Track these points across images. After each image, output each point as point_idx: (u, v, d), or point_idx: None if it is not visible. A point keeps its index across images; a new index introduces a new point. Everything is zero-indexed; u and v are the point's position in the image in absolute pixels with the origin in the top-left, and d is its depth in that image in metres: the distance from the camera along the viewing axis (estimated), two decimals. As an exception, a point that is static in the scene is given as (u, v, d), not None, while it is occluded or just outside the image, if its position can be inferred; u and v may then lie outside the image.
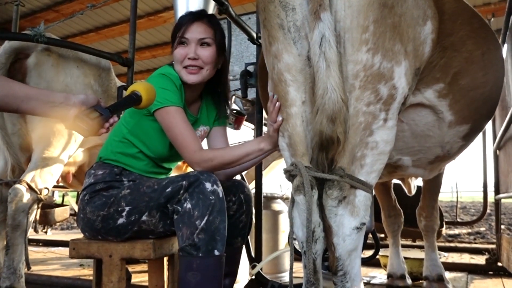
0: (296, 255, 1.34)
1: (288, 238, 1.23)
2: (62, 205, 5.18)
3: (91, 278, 2.65)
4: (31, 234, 2.87)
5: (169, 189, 1.48)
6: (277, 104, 1.27)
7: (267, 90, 1.42)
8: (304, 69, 1.18)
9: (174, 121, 1.54)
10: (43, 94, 1.15)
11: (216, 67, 1.71)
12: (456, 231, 6.44)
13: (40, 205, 2.33)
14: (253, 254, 2.30)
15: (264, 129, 2.74)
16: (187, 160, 1.57)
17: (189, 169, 3.55)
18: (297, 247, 1.29)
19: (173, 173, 1.88)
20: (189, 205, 1.44)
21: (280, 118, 1.28)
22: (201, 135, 1.81)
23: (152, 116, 1.60)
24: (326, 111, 1.07)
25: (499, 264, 3.15)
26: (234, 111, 2.99)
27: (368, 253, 1.90)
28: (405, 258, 2.71)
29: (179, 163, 2.14)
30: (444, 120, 1.52)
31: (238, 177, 1.97)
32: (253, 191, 2.14)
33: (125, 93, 1.32)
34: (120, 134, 1.69)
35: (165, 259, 1.86)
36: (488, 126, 3.34)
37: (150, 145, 1.66)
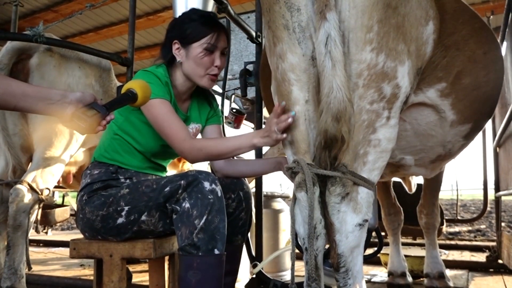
0: (298, 253, 1.34)
1: (291, 235, 1.23)
2: (62, 205, 5.17)
3: (91, 278, 2.65)
4: (31, 235, 2.87)
5: (167, 189, 1.48)
6: (290, 120, 1.23)
7: (269, 91, 1.43)
8: (308, 69, 1.19)
9: (161, 112, 1.55)
10: (40, 91, 1.15)
11: None
12: (456, 229, 6.44)
13: (41, 206, 2.33)
14: (253, 253, 2.30)
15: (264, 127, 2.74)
16: (176, 149, 1.57)
17: (185, 167, 3.56)
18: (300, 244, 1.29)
19: (168, 171, 1.88)
20: (187, 205, 1.44)
21: (285, 135, 1.27)
22: (193, 132, 1.81)
23: (140, 111, 1.61)
24: (332, 110, 1.07)
25: (500, 261, 3.16)
26: (234, 110, 3.00)
27: (371, 251, 1.90)
28: (405, 256, 2.71)
29: (175, 160, 2.15)
30: (446, 120, 1.53)
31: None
32: (253, 190, 2.14)
33: (122, 91, 1.32)
34: (111, 132, 1.70)
35: (166, 258, 1.86)
36: (488, 124, 3.34)
37: (140, 140, 1.67)
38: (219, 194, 1.47)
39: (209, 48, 1.64)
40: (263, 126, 2.45)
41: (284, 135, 1.28)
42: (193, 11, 1.73)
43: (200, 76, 1.66)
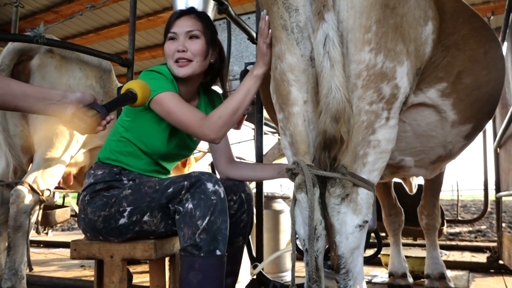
0: (298, 254, 1.34)
1: (291, 236, 1.23)
2: (62, 206, 5.18)
3: (92, 279, 2.64)
4: (32, 236, 2.87)
5: (170, 190, 1.48)
6: (267, 17, 1.29)
7: (268, 91, 1.43)
8: (306, 69, 1.19)
9: (171, 103, 1.52)
10: (40, 92, 1.16)
11: (207, 61, 1.69)
12: (457, 229, 6.44)
13: (42, 207, 2.33)
14: (254, 254, 2.30)
15: (265, 128, 2.75)
16: (198, 133, 1.53)
17: (190, 170, 3.55)
18: (299, 245, 1.30)
19: (172, 174, 1.88)
20: (190, 205, 1.44)
21: (270, 31, 1.30)
22: None
23: (147, 112, 1.60)
24: (330, 110, 1.07)
25: (501, 262, 3.16)
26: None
27: (370, 252, 1.90)
28: (406, 256, 2.71)
29: (179, 164, 2.14)
30: (447, 120, 1.53)
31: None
32: (253, 190, 2.14)
33: (121, 91, 1.33)
34: (118, 134, 1.69)
35: (167, 259, 1.86)
36: (488, 124, 3.34)
37: (147, 142, 1.66)
38: (222, 195, 1.47)
39: (170, 36, 1.64)
40: (264, 126, 2.45)
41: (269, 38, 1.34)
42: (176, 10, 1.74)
43: (171, 67, 1.64)
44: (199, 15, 1.68)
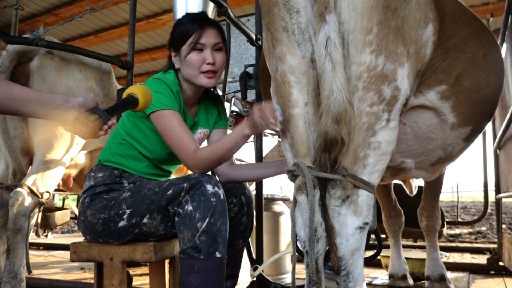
0: (298, 256, 1.34)
1: (291, 238, 1.22)
2: (62, 208, 5.16)
3: (92, 281, 2.64)
4: (31, 238, 2.86)
5: (170, 192, 1.48)
6: (279, 117, 1.26)
7: (268, 92, 1.43)
8: (307, 71, 1.19)
9: (169, 123, 1.55)
10: (43, 96, 1.16)
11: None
12: (457, 231, 6.43)
13: (41, 209, 2.33)
14: (254, 256, 2.30)
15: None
16: (184, 162, 1.58)
17: (190, 172, 3.55)
18: (299, 247, 1.29)
19: (174, 176, 1.88)
20: (190, 207, 1.44)
21: (280, 118, 1.26)
22: (201, 137, 1.81)
23: (148, 118, 1.61)
24: (332, 112, 1.07)
25: (501, 263, 3.15)
26: (234, 113, 3.00)
27: (370, 253, 1.89)
28: (406, 258, 2.71)
29: (180, 165, 2.14)
30: (446, 122, 1.53)
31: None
32: (253, 192, 2.14)
33: (123, 96, 1.33)
34: (119, 136, 1.70)
35: (166, 261, 1.86)
36: (488, 126, 3.35)
37: (148, 146, 1.67)
38: (222, 197, 1.47)
39: (195, 47, 1.63)
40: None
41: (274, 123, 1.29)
42: (185, 15, 1.73)
43: (195, 77, 1.65)
44: (217, 25, 1.71)
